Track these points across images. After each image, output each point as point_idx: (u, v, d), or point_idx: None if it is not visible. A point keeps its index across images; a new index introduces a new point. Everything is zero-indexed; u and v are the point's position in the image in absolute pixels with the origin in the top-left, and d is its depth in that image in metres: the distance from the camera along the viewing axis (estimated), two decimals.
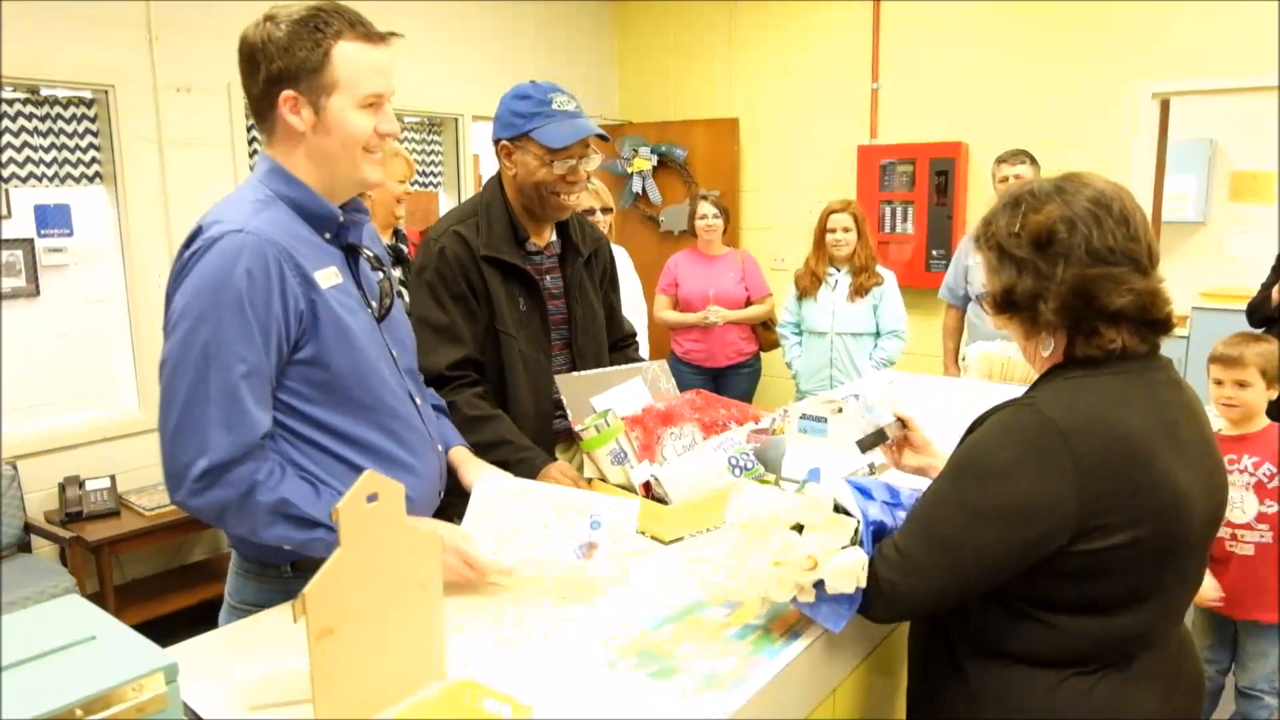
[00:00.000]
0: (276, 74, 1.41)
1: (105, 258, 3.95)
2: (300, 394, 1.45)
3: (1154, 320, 1.23)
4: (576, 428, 1.84)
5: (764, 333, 4.67)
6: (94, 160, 3.81)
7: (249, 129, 4.27)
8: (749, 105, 5.67)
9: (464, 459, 1.77)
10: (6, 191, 3.87)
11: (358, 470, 1.49)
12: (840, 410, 2.32)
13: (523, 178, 2.01)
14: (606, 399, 1.97)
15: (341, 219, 1.53)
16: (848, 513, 1.32)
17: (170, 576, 3.94)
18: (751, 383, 4.71)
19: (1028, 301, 1.26)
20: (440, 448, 1.69)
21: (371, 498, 1.06)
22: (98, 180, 3.84)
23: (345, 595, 1.04)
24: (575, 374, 1.97)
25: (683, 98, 5.86)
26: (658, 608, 1.45)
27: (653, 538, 1.72)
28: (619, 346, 2.34)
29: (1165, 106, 4.50)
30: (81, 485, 3.62)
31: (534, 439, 1.98)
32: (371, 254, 1.60)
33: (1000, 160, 3.98)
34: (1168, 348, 1.31)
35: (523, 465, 1.91)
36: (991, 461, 1.20)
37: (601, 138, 2.03)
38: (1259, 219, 6.53)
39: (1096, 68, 4.53)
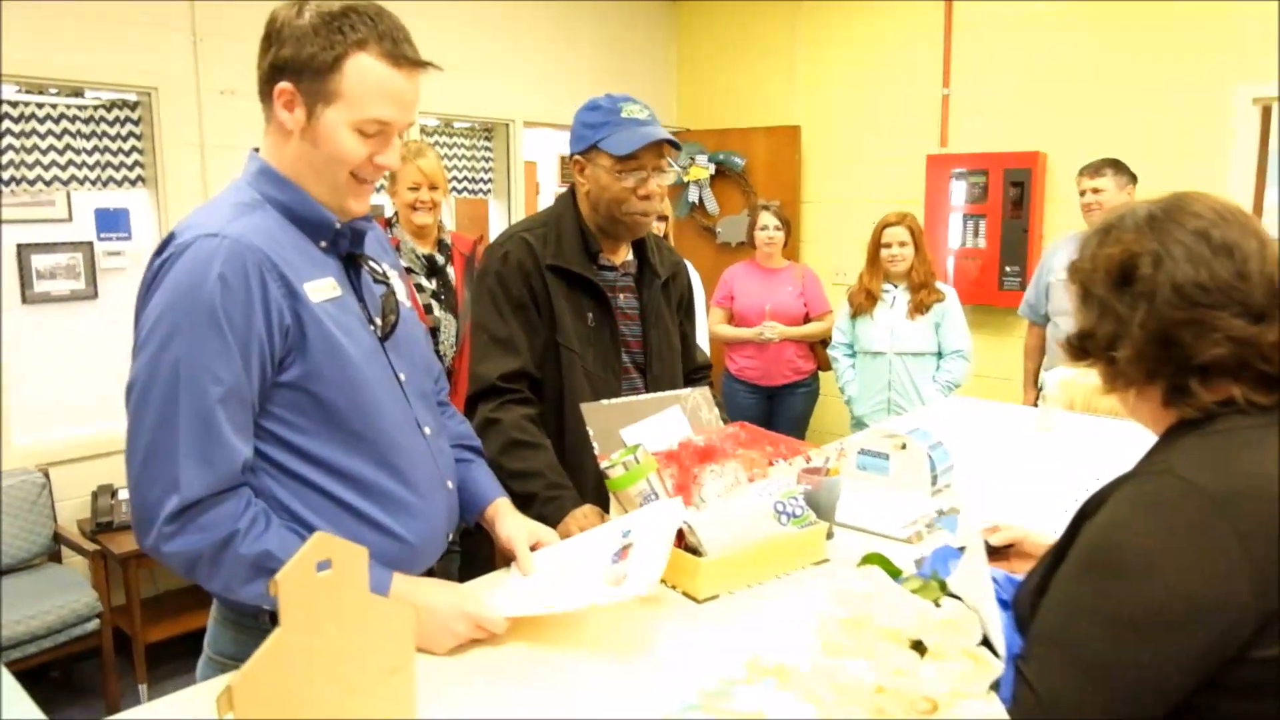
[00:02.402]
0: (282, 62, 1.26)
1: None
2: (287, 422, 1.27)
3: (1265, 376, 0.98)
4: (603, 464, 1.63)
5: (823, 351, 4.44)
6: (136, 164, 3.74)
7: None
8: (812, 112, 5.42)
9: (503, 513, 1.59)
10: (69, 194, 3.88)
11: (351, 511, 1.32)
12: (904, 446, 2.08)
13: (595, 194, 1.92)
14: (638, 431, 1.76)
15: (338, 226, 1.35)
16: (988, 645, 1.04)
17: (199, 591, 3.82)
18: (809, 403, 4.47)
19: (1102, 347, 1.04)
20: (450, 484, 1.50)
21: (323, 565, 0.87)
22: (140, 184, 3.77)
23: (287, 688, 0.84)
24: (601, 402, 1.78)
25: (743, 104, 5.63)
26: (683, 688, 1.23)
27: (684, 594, 1.51)
28: (692, 378, 2.17)
29: (1266, 113, 4.13)
30: (114, 495, 3.53)
31: (596, 467, 1.81)
32: (376, 266, 1.42)
33: (1083, 172, 3.69)
34: None
35: (551, 504, 1.75)
36: (1133, 552, 0.94)
37: (673, 144, 1.90)
38: None
39: (1188, 70, 4.18)
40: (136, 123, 3.73)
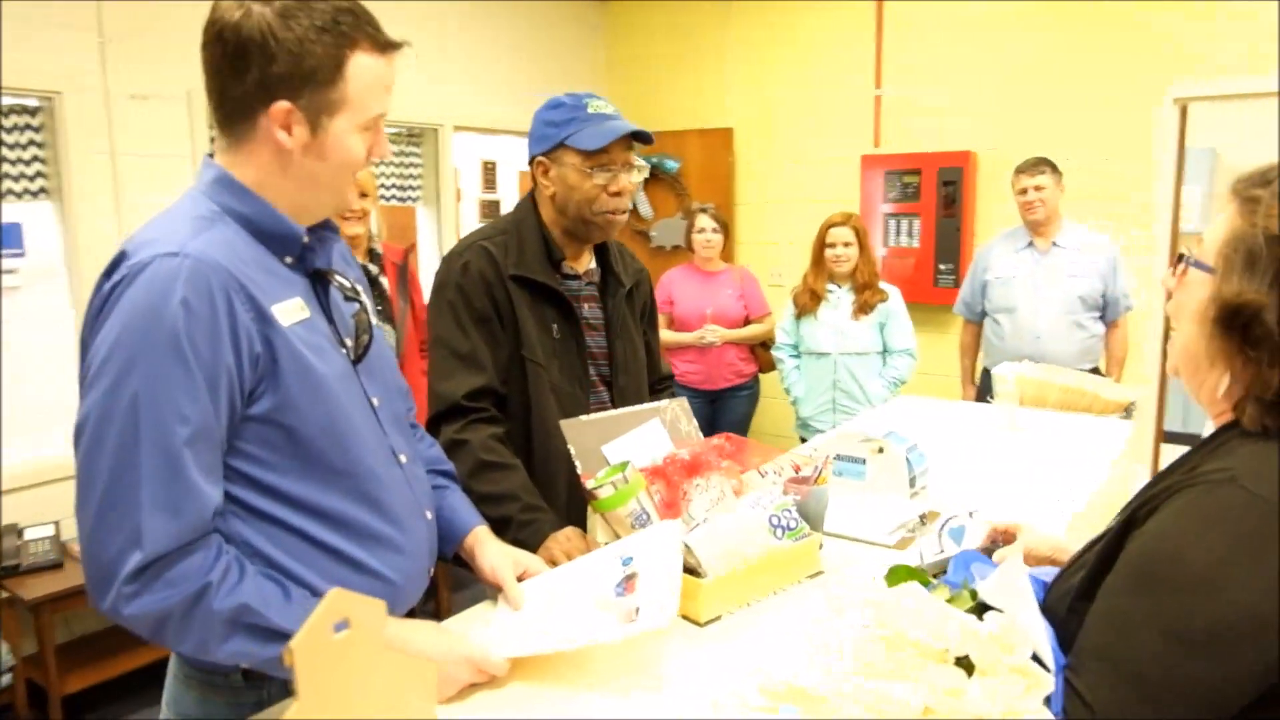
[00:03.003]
0: (275, 79, 1.12)
1: (54, 280, 3.60)
2: (256, 459, 1.15)
3: None
4: (588, 484, 1.54)
5: (764, 353, 4.44)
6: (39, 174, 3.48)
7: (211, 140, 3.95)
8: (745, 114, 5.40)
9: (484, 542, 1.48)
10: None
11: (329, 551, 1.20)
12: (881, 450, 2.04)
13: (563, 195, 1.82)
14: (620, 446, 1.67)
15: (306, 239, 1.23)
16: (1037, 660, 0.98)
17: (120, 634, 3.53)
18: (751, 405, 4.46)
19: (1245, 316, 0.94)
20: (429, 514, 1.39)
21: (340, 625, 0.76)
22: (43, 195, 3.51)
23: None
24: (581, 418, 1.68)
25: (675, 107, 5.58)
26: (696, 715, 1.15)
27: (684, 617, 1.43)
28: (656, 389, 2.10)
29: (1184, 113, 4.27)
30: (20, 534, 3.26)
31: (567, 484, 1.78)
32: (345, 282, 1.30)
33: (1020, 170, 3.75)
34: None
35: (528, 528, 1.65)
36: (1193, 565, 0.89)
37: (643, 138, 1.81)
38: None
39: (1113, 72, 4.29)
40: (38, 129, 3.46)
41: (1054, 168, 3.70)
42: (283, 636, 1.11)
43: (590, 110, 1.80)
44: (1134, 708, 0.90)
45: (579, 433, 1.64)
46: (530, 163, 1.90)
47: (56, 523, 3.35)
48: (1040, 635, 0.99)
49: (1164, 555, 0.92)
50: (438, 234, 5.03)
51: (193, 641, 1.08)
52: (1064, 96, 4.42)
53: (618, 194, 1.82)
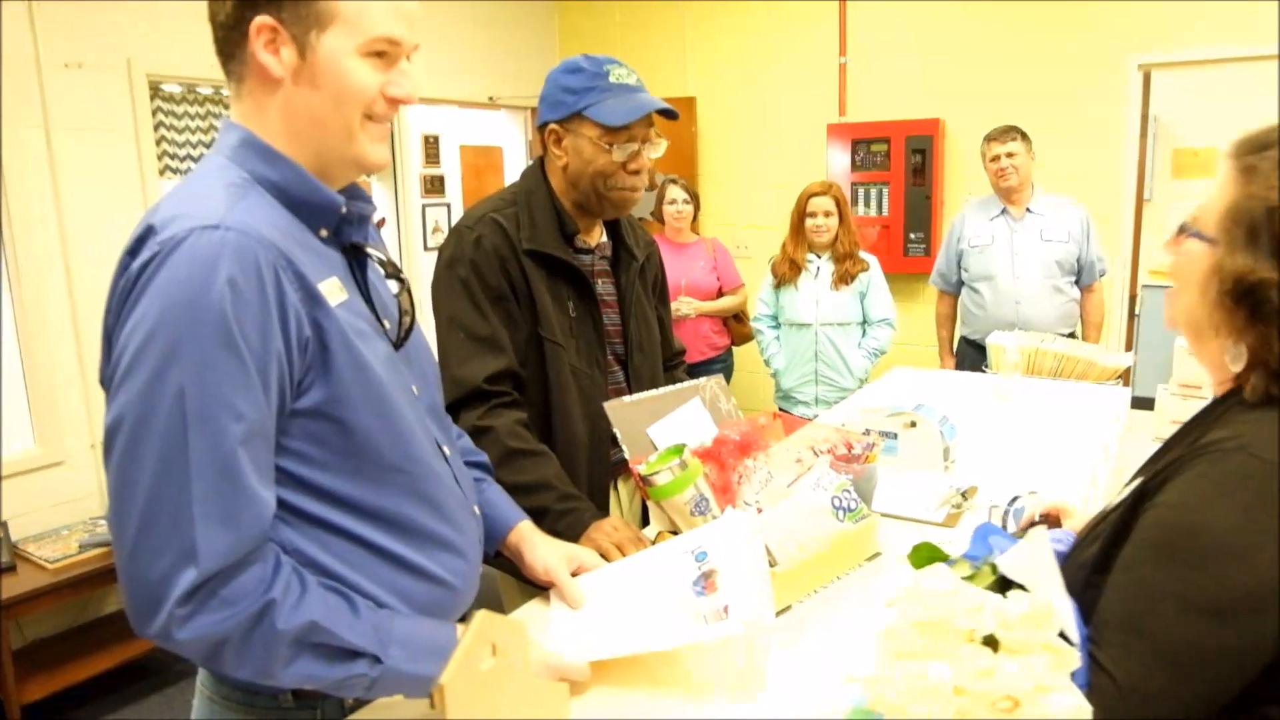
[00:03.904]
0: None
1: None
2: (306, 457, 1.02)
3: None
4: (639, 468, 1.44)
5: (736, 325, 4.38)
6: None
7: (154, 112, 3.70)
8: (706, 83, 5.29)
9: (530, 538, 1.37)
10: None
11: (387, 556, 1.07)
12: (914, 424, 1.99)
13: (576, 167, 1.69)
14: (665, 428, 1.58)
15: (344, 209, 1.10)
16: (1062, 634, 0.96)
17: (80, 636, 3.36)
18: (725, 378, 4.38)
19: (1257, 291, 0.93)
20: (477, 511, 1.27)
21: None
22: None
23: None
24: (624, 399, 1.58)
25: None
26: (814, 711, 1.07)
27: None
28: (669, 366, 1.99)
29: (1147, 80, 4.31)
30: None
31: (589, 472, 1.67)
32: (384, 256, 1.17)
33: (990, 138, 3.72)
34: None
35: (566, 518, 1.54)
36: (1215, 534, 0.89)
37: (669, 114, 1.68)
38: (1199, 194, 6.54)
39: (1078, 39, 4.30)
40: None
41: (1024, 135, 3.69)
42: (352, 655, 0.99)
43: (612, 79, 1.68)
44: (1160, 679, 0.90)
45: (623, 415, 1.54)
46: (540, 129, 1.78)
47: (4, 523, 3.12)
48: (1066, 610, 0.98)
49: (1181, 526, 0.92)
50: (395, 208, 4.83)
51: (254, 666, 0.96)
52: (1028, 62, 4.42)
53: (636, 171, 1.71)
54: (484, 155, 6.01)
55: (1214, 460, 0.93)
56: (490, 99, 5.23)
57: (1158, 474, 0.99)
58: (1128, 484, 1.09)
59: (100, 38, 3.45)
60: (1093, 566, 1.02)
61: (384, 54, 1.05)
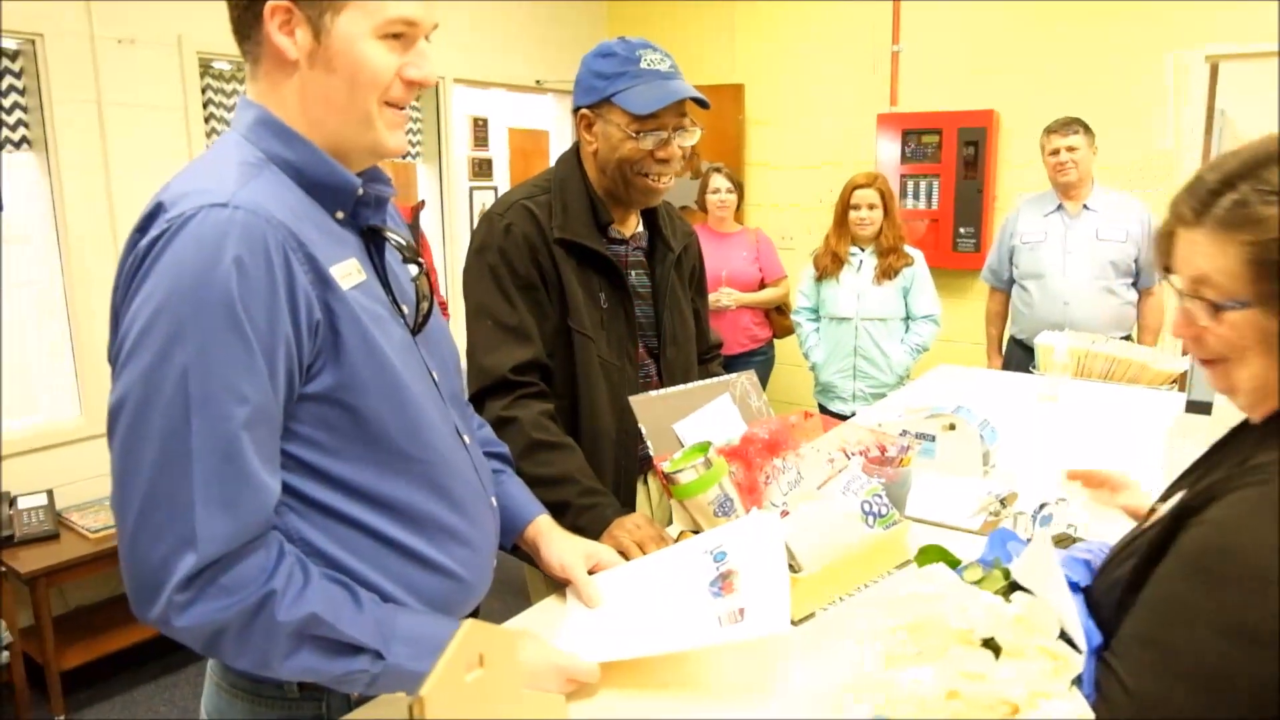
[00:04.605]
0: None
1: (37, 236, 3.40)
2: (315, 443, 1.00)
3: None
4: (664, 466, 1.41)
5: (778, 318, 4.31)
6: (20, 123, 3.26)
7: (204, 90, 3.73)
8: (755, 70, 5.20)
9: (547, 533, 1.34)
10: None
11: (397, 548, 1.05)
12: (953, 426, 1.92)
13: (605, 153, 1.67)
14: (692, 424, 1.54)
15: (361, 192, 1.08)
16: (1067, 639, 0.94)
17: (120, 605, 3.41)
18: (765, 371, 4.34)
19: None
20: (494, 502, 1.25)
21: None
22: (25, 146, 3.29)
23: None
24: (651, 394, 1.55)
25: (682, 61, 5.27)
26: None
27: None
28: (704, 360, 1.96)
29: (1215, 71, 4.14)
30: (13, 504, 3.10)
31: (615, 466, 1.65)
32: (402, 240, 1.15)
33: (1050, 130, 3.60)
34: None
35: (588, 514, 1.51)
36: (1255, 560, 0.84)
37: (700, 102, 1.65)
38: None
39: (1140, 28, 4.14)
40: (18, 75, 3.23)
41: (1086, 128, 3.56)
42: (354, 650, 0.98)
43: (644, 65, 1.65)
44: (1179, 699, 0.86)
45: (649, 410, 1.50)
46: (574, 114, 1.75)
47: (49, 491, 3.19)
48: (1070, 613, 0.96)
49: (1219, 547, 0.88)
50: (439, 192, 4.83)
51: (252, 656, 0.94)
52: (1084, 52, 4.27)
53: (665, 160, 1.68)
54: (531, 139, 5.98)
55: (1263, 483, 0.88)
56: (538, 82, 5.20)
57: (1200, 493, 0.94)
58: (1163, 498, 1.05)
59: (152, 14, 3.48)
60: (1127, 586, 0.98)
61: (401, 35, 1.03)
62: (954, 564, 1.15)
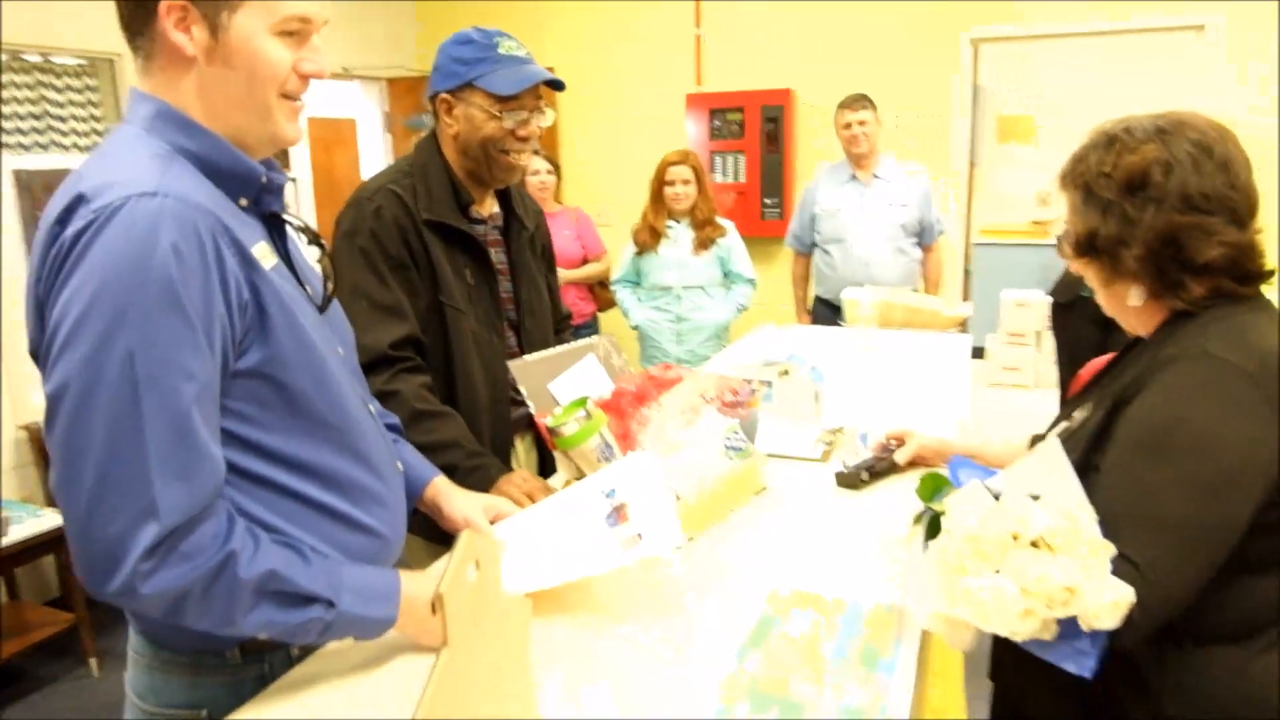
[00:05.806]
0: None
1: None
2: (246, 417, 1.06)
3: (1246, 274, 1.15)
4: (546, 421, 1.54)
5: (601, 292, 4.48)
6: (92, 131, 3.03)
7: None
8: (565, 54, 5.34)
9: (446, 491, 1.44)
10: None
11: (324, 510, 1.14)
12: (787, 373, 2.16)
13: (466, 134, 1.75)
14: (565, 383, 1.68)
15: (264, 179, 1.14)
16: None
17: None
18: None
19: (1110, 247, 1.16)
20: (399, 466, 1.34)
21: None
22: None
23: (465, 709, 0.72)
24: (527, 358, 1.67)
25: None
26: (725, 629, 1.21)
27: None
28: (558, 330, 2.09)
29: (977, 51, 4.68)
30: None
31: (491, 432, 1.75)
32: (302, 223, 1.22)
33: (843, 106, 3.96)
34: None
35: (475, 474, 1.62)
36: (1197, 426, 1.06)
37: (555, 85, 1.76)
38: (1021, 159, 7.15)
39: (918, 12, 4.62)
40: (95, 89, 3.01)
41: (873, 104, 3.94)
42: (308, 600, 1.06)
43: (502, 51, 1.75)
44: (1174, 558, 1.04)
45: (526, 373, 1.63)
46: (431, 99, 1.82)
47: None
48: (1089, 508, 1.10)
49: (1167, 424, 1.08)
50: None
51: (215, 616, 1.00)
52: (870, 34, 4.70)
53: (525, 138, 1.79)
54: (334, 129, 5.84)
55: (1183, 366, 1.09)
56: (344, 70, 5.10)
57: (1127, 386, 1.15)
58: (1064, 417, 1.28)
59: None
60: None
61: (295, 32, 1.08)
62: (949, 488, 1.25)
